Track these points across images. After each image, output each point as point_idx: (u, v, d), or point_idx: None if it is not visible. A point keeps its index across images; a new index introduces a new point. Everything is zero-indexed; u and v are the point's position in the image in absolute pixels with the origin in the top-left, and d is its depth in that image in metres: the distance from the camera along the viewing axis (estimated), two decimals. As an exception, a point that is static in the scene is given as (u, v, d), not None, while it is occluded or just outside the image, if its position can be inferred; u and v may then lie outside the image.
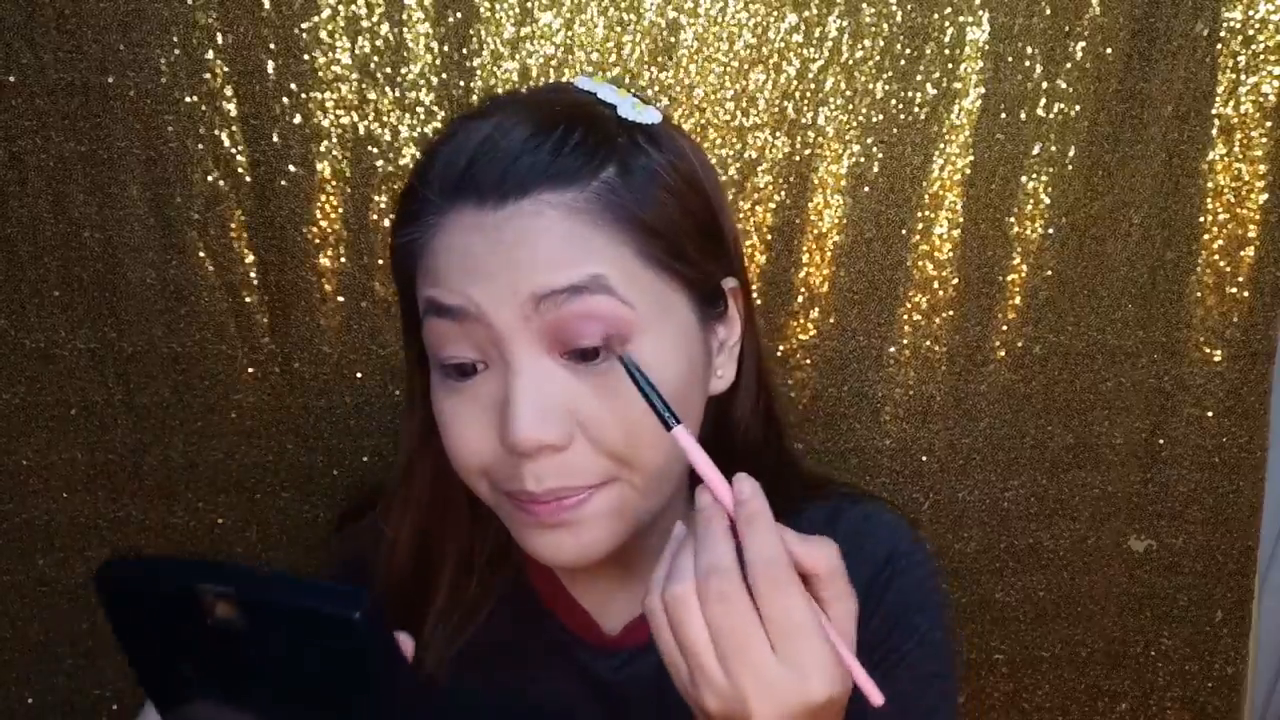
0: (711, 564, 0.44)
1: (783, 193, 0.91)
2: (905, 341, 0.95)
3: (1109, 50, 0.89)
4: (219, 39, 0.83)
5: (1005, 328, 0.95)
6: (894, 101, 0.89)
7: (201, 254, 0.88)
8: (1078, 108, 0.90)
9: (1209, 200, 0.93)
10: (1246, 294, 0.95)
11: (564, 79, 0.87)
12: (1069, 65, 0.89)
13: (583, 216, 0.51)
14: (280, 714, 0.41)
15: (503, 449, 0.53)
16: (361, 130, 0.86)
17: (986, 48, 0.89)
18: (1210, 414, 0.98)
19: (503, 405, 0.52)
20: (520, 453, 0.51)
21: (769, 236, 0.92)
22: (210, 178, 0.86)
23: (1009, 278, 0.94)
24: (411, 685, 0.40)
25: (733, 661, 0.43)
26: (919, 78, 0.89)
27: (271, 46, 0.84)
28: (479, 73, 0.86)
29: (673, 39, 0.87)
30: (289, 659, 0.39)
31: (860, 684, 0.45)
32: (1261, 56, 0.90)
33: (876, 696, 0.45)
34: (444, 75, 0.86)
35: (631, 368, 0.49)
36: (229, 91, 0.85)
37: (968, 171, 0.91)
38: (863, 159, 0.90)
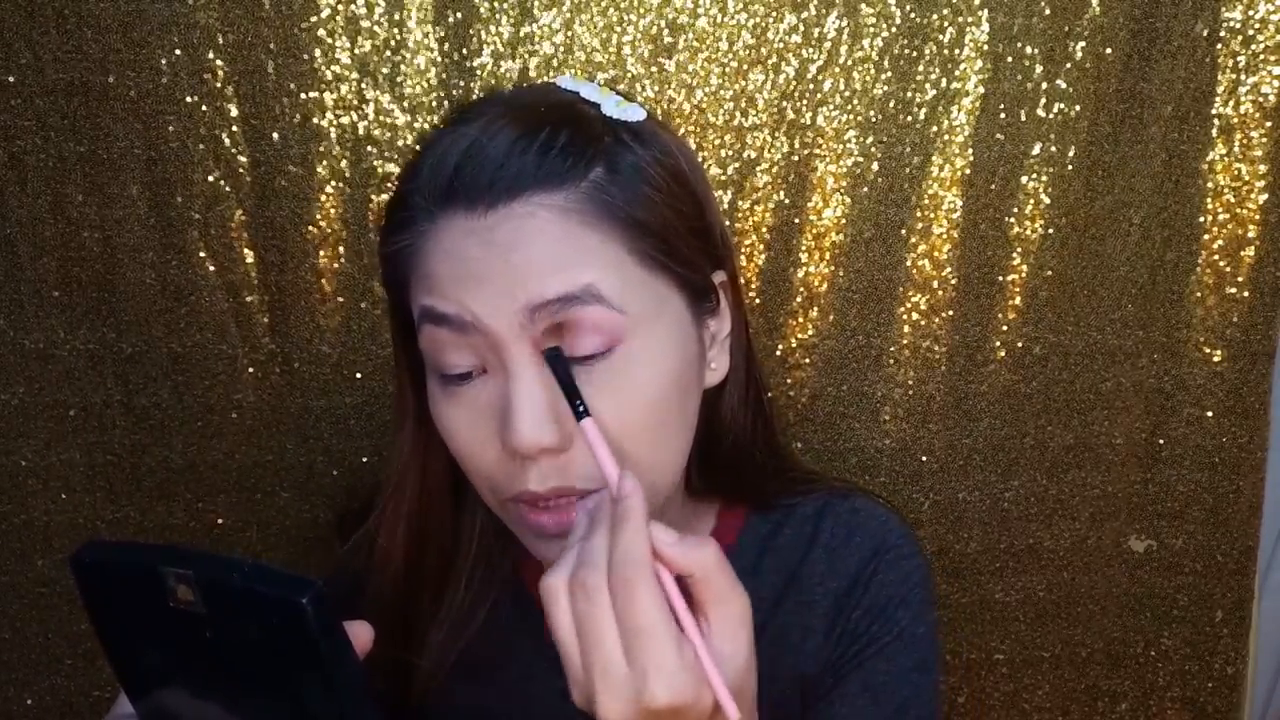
0: (584, 557, 0.45)
1: (782, 193, 0.91)
2: (905, 341, 0.95)
3: (1109, 50, 0.89)
4: (219, 39, 0.83)
5: (1005, 328, 0.95)
6: (893, 102, 0.90)
7: (202, 254, 0.88)
8: (1078, 108, 0.90)
9: (1209, 200, 0.93)
10: (1246, 294, 0.95)
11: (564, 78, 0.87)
12: (1069, 65, 0.89)
13: (575, 217, 0.51)
14: (238, 699, 0.42)
15: (504, 453, 0.53)
16: (361, 130, 0.86)
17: (986, 48, 0.89)
18: (1210, 414, 0.98)
19: (503, 410, 0.52)
20: (522, 455, 0.52)
21: (768, 236, 0.92)
22: (210, 178, 0.86)
23: (1009, 278, 0.94)
24: (359, 673, 0.41)
25: (588, 655, 0.44)
26: (918, 78, 0.89)
27: (271, 46, 0.84)
28: (479, 73, 0.86)
29: (673, 39, 0.87)
30: (244, 642, 0.40)
31: (718, 696, 0.44)
32: (1261, 56, 0.90)
33: (731, 710, 0.44)
34: (444, 75, 0.86)
35: (552, 359, 0.50)
36: (229, 91, 0.85)
37: (967, 171, 0.91)
38: (862, 159, 0.90)
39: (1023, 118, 0.90)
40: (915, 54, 0.89)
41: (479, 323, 0.51)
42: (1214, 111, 0.91)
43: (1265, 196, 0.93)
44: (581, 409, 0.49)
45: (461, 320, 0.52)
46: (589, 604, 0.44)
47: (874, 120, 0.90)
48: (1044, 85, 0.90)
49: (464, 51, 0.86)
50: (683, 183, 0.57)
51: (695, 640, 0.44)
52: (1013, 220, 0.93)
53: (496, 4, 0.85)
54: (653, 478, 0.55)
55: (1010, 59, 0.89)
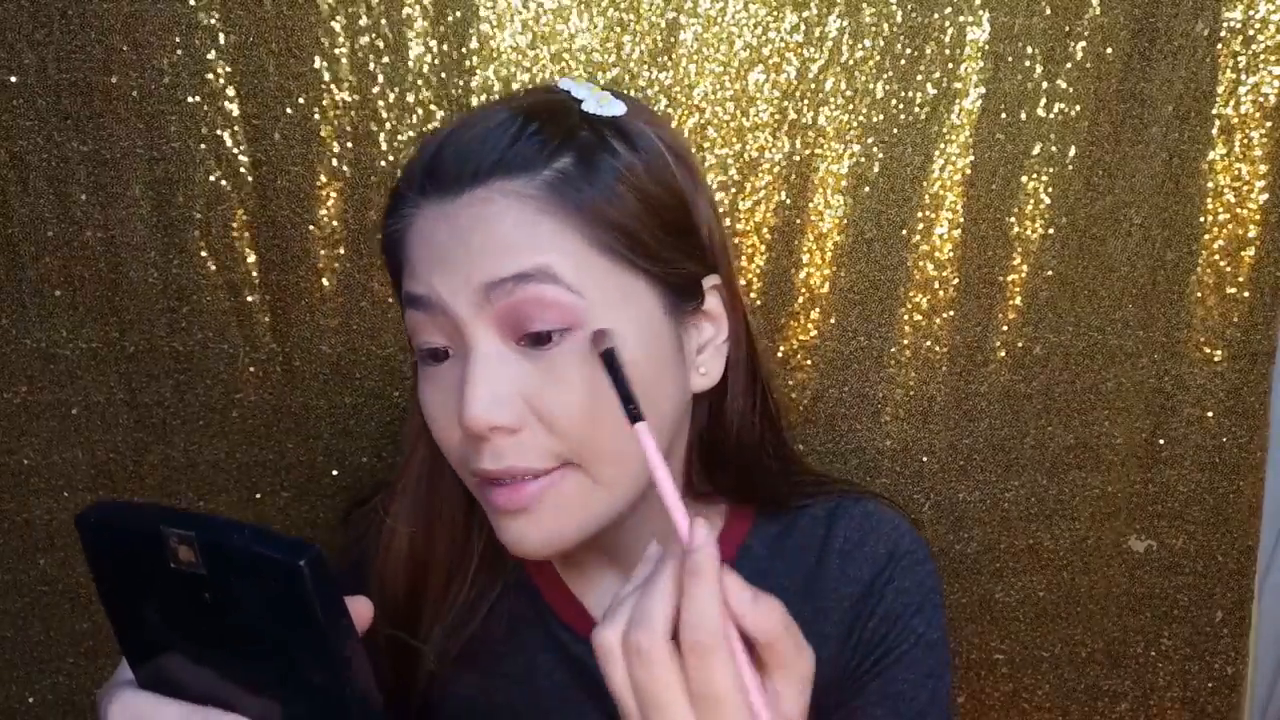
0: (638, 616, 0.43)
1: (783, 193, 0.91)
2: (906, 342, 0.95)
3: (1109, 50, 0.89)
4: (220, 39, 0.84)
5: (1005, 328, 0.95)
6: (894, 101, 0.90)
7: (203, 253, 0.88)
8: (1078, 108, 0.90)
9: (1209, 200, 0.93)
10: (1246, 294, 0.95)
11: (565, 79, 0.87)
12: (1069, 65, 0.89)
13: (531, 204, 0.53)
14: (235, 663, 0.43)
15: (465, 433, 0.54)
16: (361, 130, 0.86)
17: (987, 48, 0.89)
18: (1210, 414, 0.98)
19: (460, 389, 0.53)
20: (473, 434, 0.53)
21: (769, 236, 0.92)
22: (212, 177, 0.86)
23: (1009, 278, 0.94)
24: (355, 640, 0.41)
25: (651, 718, 0.42)
26: (919, 78, 0.89)
27: (272, 46, 0.84)
28: (479, 73, 0.86)
29: (673, 39, 0.87)
30: (242, 605, 0.41)
31: None
32: (1261, 56, 0.90)
33: None
34: (444, 75, 0.86)
35: (607, 358, 0.49)
36: (230, 91, 0.85)
37: (968, 171, 0.91)
38: (863, 159, 0.90)
39: (1023, 118, 0.90)
40: (916, 54, 0.89)
41: (442, 304, 0.53)
42: (1214, 111, 0.91)
43: (1265, 196, 0.93)
44: (634, 412, 0.47)
45: (429, 302, 0.54)
46: (646, 670, 0.42)
47: (875, 120, 0.90)
48: (1044, 85, 0.90)
49: (464, 51, 0.86)
50: (663, 182, 0.56)
51: (759, 704, 0.43)
52: (1013, 220, 0.93)
53: (496, 4, 0.85)
54: (615, 471, 0.55)
55: (1011, 59, 0.89)
